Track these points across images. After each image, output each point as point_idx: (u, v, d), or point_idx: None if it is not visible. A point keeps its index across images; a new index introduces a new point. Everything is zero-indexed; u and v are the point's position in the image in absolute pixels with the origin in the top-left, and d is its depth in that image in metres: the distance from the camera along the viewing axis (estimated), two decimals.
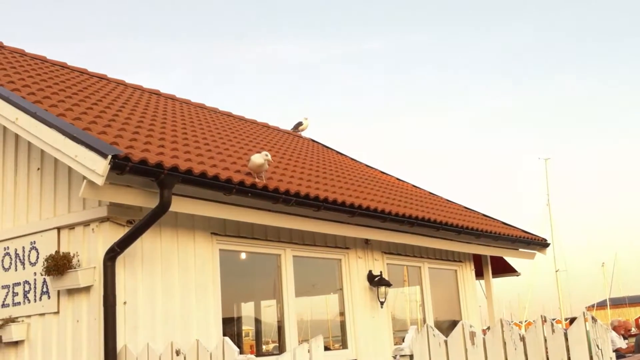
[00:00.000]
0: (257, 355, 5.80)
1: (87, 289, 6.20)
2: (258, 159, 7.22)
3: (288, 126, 14.79)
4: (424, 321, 10.62)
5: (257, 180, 7.01)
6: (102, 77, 10.87)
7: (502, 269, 14.28)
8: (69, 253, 6.31)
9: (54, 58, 10.38)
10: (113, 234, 6.14)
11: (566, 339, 4.25)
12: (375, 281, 9.40)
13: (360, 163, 14.38)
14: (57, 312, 6.45)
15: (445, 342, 4.73)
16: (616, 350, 11.38)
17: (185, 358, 5.35)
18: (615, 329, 12.94)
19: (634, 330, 21.04)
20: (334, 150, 14.90)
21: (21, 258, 6.87)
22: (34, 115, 6.21)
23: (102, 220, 6.23)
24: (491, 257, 12.88)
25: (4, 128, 7.21)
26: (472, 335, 4.62)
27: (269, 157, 7.37)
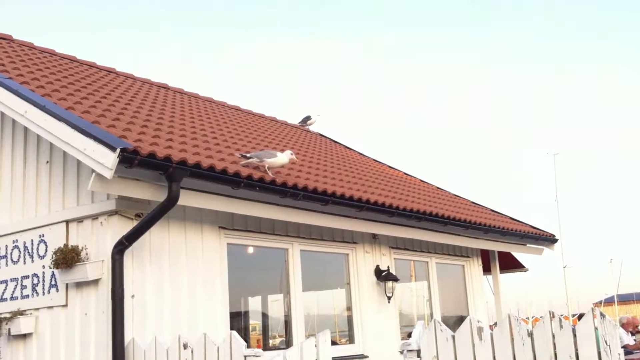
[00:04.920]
0: (264, 350, 5.80)
1: (95, 282, 6.22)
2: (284, 158, 7.24)
3: (295, 121, 14.77)
4: (431, 316, 10.61)
5: (269, 174, 7.01)
6: (110, 71, 10.88)
7: (510, 264, 14.24)
8: (78, 246, 6.33)
9: (63, 51, 10.40)
10: (121, 227, 6.15)
11: (574, 335, 4.23)
12: (383, 276, 9.40)
13: (368, 158, 14.37)
14: (66, 305, 6.47)
15: (453, 337, 4.72)
16: (624, 347, 11.35)
17: (192, 352, 5.36)
18: (623, 326, 12.89)
19: None
20: (342, 144, 14.89)
21: (30, 251, 6.89)
22: (43, 108, 6.22)
23: (110, 213, 6.25)
24: (499, 252, 12.85)
25: (13, 121, 7.23)
26: (480, 330, 4.60)
27: (294, 156, 7.43)
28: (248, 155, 7.21)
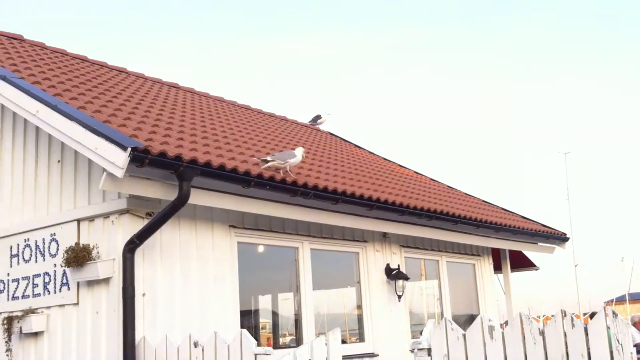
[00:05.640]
0: (274, 348, 5.80)
1: (106, 280, 6.24)
2: (299, 156, 7.29)
3: (304, 120, 14.75)
4: (442, 315, 10.59)
5: (291, 175, 7.01)
6: (121, 70, 10.92)
7: (521, 263, 14.18)
8: (89, 245, 6.36)
9: (74, 51, 10.44)
10: (132, 226, 6.17)
11: (586, 334, 4.21)
12: (393, 274, 9.38)
13: (378, 156, 14.34)
14: (77, 304, 6.50)
15: (464, 336, 4.71)
16: (636, 346, 11.28)
17: (203, 350, 5.37)
18: (635, 324, 12.81)
19: None
20: (352, 143, 14.87)
21: (41, 250, 6.93)
22: (54, 107, 6.25)
23: (121, 212, 6.27)
24: (510, 251, 12.81)
25: (25, 120, 7.26)
26: (491, 329, 4.59)
27: (304, 153, 7.51)
28: (268, 158, 7.16)
